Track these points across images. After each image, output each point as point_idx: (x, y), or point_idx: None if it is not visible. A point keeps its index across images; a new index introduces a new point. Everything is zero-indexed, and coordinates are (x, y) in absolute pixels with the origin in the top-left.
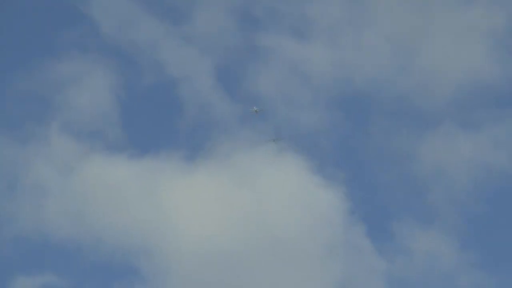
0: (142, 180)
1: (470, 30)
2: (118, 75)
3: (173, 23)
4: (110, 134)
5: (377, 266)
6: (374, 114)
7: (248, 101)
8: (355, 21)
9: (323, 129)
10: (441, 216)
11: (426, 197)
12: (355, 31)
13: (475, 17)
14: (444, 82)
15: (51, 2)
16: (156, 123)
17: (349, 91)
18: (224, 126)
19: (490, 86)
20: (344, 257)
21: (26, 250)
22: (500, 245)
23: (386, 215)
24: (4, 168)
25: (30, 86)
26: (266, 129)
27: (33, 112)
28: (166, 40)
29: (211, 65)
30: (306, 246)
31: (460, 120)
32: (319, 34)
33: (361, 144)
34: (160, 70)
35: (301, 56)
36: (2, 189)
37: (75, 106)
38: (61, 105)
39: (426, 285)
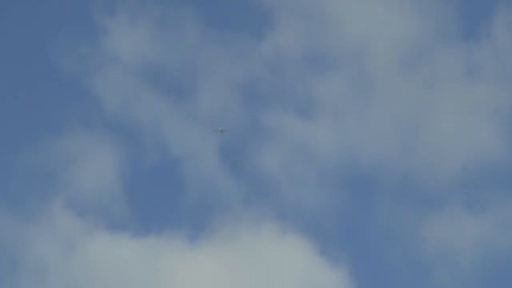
0: (145, 259)
1: (476, 109)
2: (122, 152)
3: (176, 101)
4: (113, 212)
5: None
6: (379, 194)
7: (252, 180)
8: (359, 101)
9: (328, 209)
10: None
11: (431, 279)
12: (360, 111)
13: (481, 96)
14: (449, 162)
15: (55, 79)
16: (160, 202)
17: (354, 171)
18: (227, 206)
19: (496, 167)
20: None
21: None
22: None
23: None
24: (6, 245)
25: (34, 163)
26: (270, 209)
27: (37, 189)
28: (170, 118)
29: (215, 144)
30: None
31: (466, 201)
32: (324, 114)
33: (365, 225)
34: (164, 148)
35: (306, 136)
36: (4, 266)
37: (79, 183)
38: (65, 181)
39: None
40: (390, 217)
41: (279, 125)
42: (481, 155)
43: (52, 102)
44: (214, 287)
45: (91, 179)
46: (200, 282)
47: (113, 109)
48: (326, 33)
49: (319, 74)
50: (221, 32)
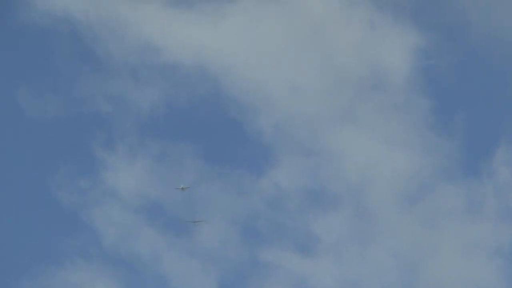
0: None
1: (477, 247)
2: (120, 286)
3: (175, 235)
4: None
5: None
6: None
7: None
8: (360, 237)
9: None
10: None
11: None
12: (360, 247)
13: (482, 234)
14: None
15: (54, 211)
16: None
17: None
18: None
19: None
20: None
21: None
22: None
23: None
24: None
25: None
26: None
27: None
28: (169, 252)
29: (214, 279)
30: None
31: None
32: (324, 250)
33: None
34: (163, 283)
35: (306, 272)
36: None
37: None
38: None
39: None
40: None
41: (279, 261)
42: None
43: (51, 234)
44: None
45: None
46: None
47: (111, 243)
48: (326, 169)
49: (319, 210)
50: (220, 168)
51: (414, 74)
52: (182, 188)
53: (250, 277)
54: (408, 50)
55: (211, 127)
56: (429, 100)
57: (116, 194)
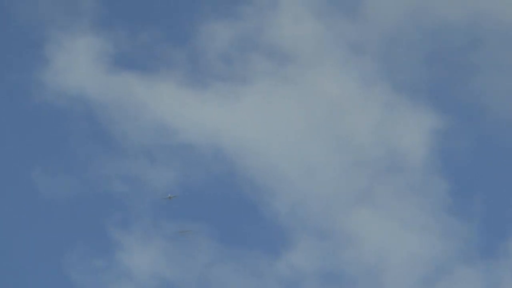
0: None
1: None
2: None
3: None
4: None
5: None
6: None
7: None
8: None
9: None
10: None
11: None
12: None
13: None
14: None
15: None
16: None
17: None
18: None
19: None
20: None
21: None
22: None
23: None
24: None
25: None
26: None
27: None
28: None
29: None
30: None
31: None
32: None
33: None
34: None
35: None
36: None
37: None
38: None
39: None
40: None
41: None
42: None
43: None
44: None
45: None
46: None
47: None
48: (343, 251)
49: None
50: (236, 249)
51: (432, 156)
52: (169, 197)
53: None
54: (426, 132)
55: (226, 208)
56: (447, 182)
57: (131, 275)
